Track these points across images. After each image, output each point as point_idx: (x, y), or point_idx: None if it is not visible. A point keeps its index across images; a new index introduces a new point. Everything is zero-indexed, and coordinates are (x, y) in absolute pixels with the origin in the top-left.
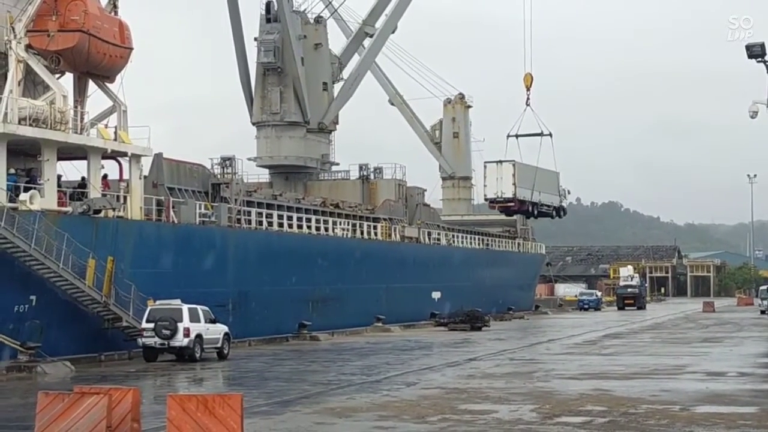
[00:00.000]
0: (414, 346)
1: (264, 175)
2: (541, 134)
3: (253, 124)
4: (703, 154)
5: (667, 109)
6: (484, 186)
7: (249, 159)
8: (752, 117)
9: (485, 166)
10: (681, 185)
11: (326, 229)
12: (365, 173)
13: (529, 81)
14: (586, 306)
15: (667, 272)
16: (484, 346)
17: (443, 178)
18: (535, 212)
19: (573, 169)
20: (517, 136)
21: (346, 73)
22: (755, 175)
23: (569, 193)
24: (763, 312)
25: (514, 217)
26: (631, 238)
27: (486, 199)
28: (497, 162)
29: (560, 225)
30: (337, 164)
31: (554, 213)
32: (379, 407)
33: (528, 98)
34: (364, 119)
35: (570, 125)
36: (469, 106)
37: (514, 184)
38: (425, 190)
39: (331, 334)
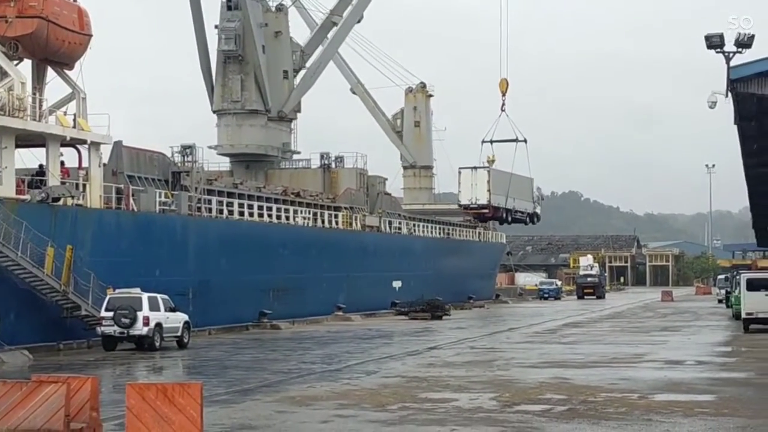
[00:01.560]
0: (375, 335)
1: (225, 164)
2: (515, 140)
3: (214, 112)
4: (663, 144)
5: (628, 100)
6: (459, 192)
7: (210, 147)
8: (711, 107)
9: (460, 173)
10: (641, 175)
11: (287, 218)
12: (326, 162)
13: (504, 87)
14: (546, 295)
15: (626, 262)
16: (445, 335)
17: (404, 167)
18: (509, 219)
19: (533, 158)
20: (491, 141)
21: (311, 63)
22: (713, 165)
23: (543, 199)
24: (720, 301)
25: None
26: (591, 227)
27: (460, 206)
28: (472, 168)
29: None
30: (299, 153)
31: (528, 219)
32: (339, 396)
33: (503, 104)
34: (327, 108)
35: (530, 115)
36: (431, 95)
37: (488, 190)
38: (386, 179)
39: (291, 322)
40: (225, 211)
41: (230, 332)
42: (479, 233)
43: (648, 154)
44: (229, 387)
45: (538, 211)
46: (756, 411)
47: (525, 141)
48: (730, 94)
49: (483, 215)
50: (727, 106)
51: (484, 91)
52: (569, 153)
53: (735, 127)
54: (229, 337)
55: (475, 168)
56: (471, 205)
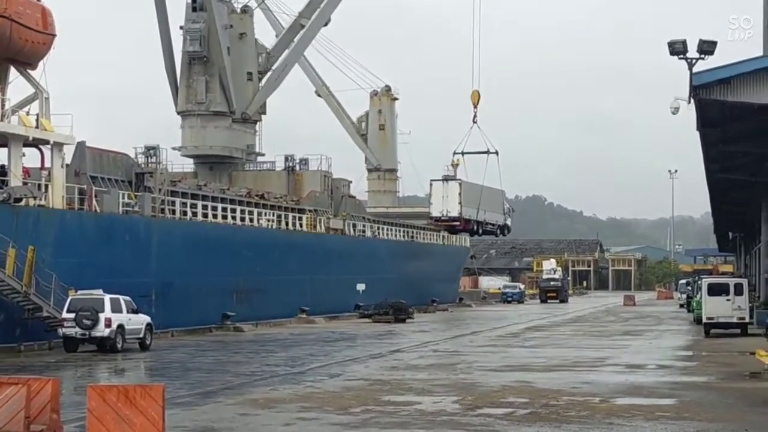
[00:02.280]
0: (338, 337)
1: (189, 165)
2: (487, 152)
3: (178, 113)
4: (626, 149)
5: (590, 105)
6: (430, 204)
7: (174, 149)
8: (673, 113)
9: (431, 184)
10: (604, 180)
11: (251, 220)
12: (291, 164)
13: (476, 98)
14: (509, 299)
15: (589, 266)
16: (408, 338)
17: (369, 170)
18: (480, 231)
19: (507, 164)
20: (463, 153)
21: (276, 65)
22: (676, 171)
23: (513, 211)
24: (682, 305)
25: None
26: (555, 232)
27: (431, 218)
28: (443, 180)
29: None
30: (263, 155)
31: (498, 231)
32: (302, 398)
33: (475, 115)
34: (291, 110)
35: (493, 118)
36: (396, 99)
37: (459, 203)
38: (351, 182)
39: (255, 325)
40: (189, 213)
41: (193, 334)
42: (443, 237)
43: (611, 159)
44: (192, 389)
45: (508, 223)
46: (716, 415)
47: (496, 153)
48: (692, 100)
49: (454, 227)
50: (690, 113)
51: (451, 95)
52: (533, 157)
53: (698, 133)
54: (192, 339)
55: (447, 180)
56: (442, 217)
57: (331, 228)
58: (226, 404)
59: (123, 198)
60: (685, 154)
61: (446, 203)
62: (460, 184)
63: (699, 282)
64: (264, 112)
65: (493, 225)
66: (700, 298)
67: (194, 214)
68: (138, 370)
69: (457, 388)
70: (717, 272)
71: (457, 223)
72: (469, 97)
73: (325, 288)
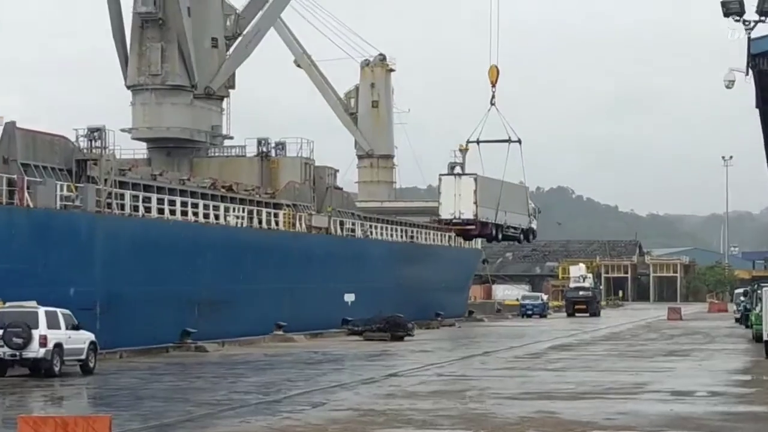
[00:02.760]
0: (322, 359)
1: (141, 150)
2: (508, 140)
3: (128, 87)
4: (670, 133)
5: (626, 80)
6: (439, 204)
7: (123, 130)
8: (728, 87)
9: (440, 179)
10: (643, 170)
11: (216, 217)
12: (265, 149)
13: (494, 75)
14: (529, 312)
15: (626, 272)
16: (407, 360)
17: (359, 157)
18: (500, 236)
19: (517, 150)
20: (478, 141)
21: (247, 30)
22: (731, 157)
23: (539, 212)
24: (738, 320)
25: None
26: (584, 231)
27: (440, 220)
28: (455, 175)
29: None
30: (231, 138)
31: (522, 236)
32: None
33: (493, 96)
34: (266, 85)
35: (512, 98)
36: (391, 70)
37: (475, 202)
38: (337, 171)
39: (221, 344)
40: (141, 208)
41: (146, 355)
42: (449, 237)
43: (652, 144)
44: (145, 421)
45: (534, 226)
46: None
47: (519, 142)
48: (751, 71)
49: (468, 232)
50: (748, 87)
51: (459, 68)
52: (558, 142)
53: (757, 111)
54: (144, 360)
55: (459, 175)
56: (454, 220)
57: (314, 226)
58: None
59: (61, 190)
60: (742, 137)
61: (459, 203)
62: (475, 179)
63: (759, 291)
64: (232, 87)
65: (515, 229)
66: (761, 310)
67: (148, 209)
68: (79, 398)
69: (466, 420)
70: None
71: (473, 226)
72: (486, 74)
73: (307, 299)
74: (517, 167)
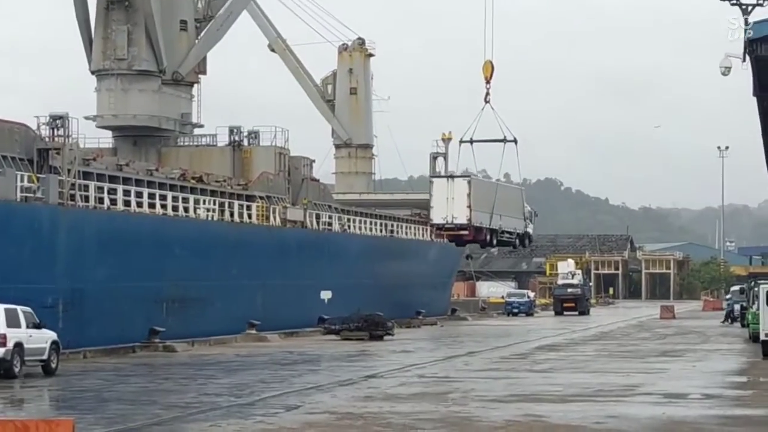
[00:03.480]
0: (297, 359)
1: (106, 139)
2: (503, 140)
3: (93, 72)
4: (662, 121)
5: (615, 65)
6: (431, 208)
7: (87, 118)
8: (724, 74)
9: (431, 182)
10: (635, 160)
11: (186, 210)
12: (237, 139)
13: (489, 71)
14: (515, 310)
15: (616, 268)
16: (387, 360)
17: (337, 146)
18: (494, 241)
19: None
20: (471, 141)
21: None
22: (726, 148)
23: (536, 215)
24: (725, 320)
25: (426, 197)
26: (573, 225)
27: (431, 225)
28: (447, 177)
29: None
30: (202, 126)
31: (517, 241)
32: None
33: (487, 93)
34: (239, 71)
35: (496, 85)
36: (371, 55)
37: (468, 206)
38: (314, 161)
39: (190, 343)
40: (106, 200)
41: (112, 355)
42: (431, 231)
43: (644, 134)
44: (110, 425)
45: (530, 230)
46: None
47: (515, 141)
48: (748, 57)
49: (461, 238)
50: (745, 74)
51: (442, 53)
52: (545, 131)
53: (754, 99)
54: (110, 361)
55: (452, 177)
56: (446, 225)
57: (289, 220)
58: None
59: (21, 181)
60: (739, 126)
61: (451, 207)
62: (468, 182)
63: (756, 289)
64: (203, 72)
65: (510, 234)
66: (758, 309)
67: (113, 201)
68: (41, 401)
69: (448, 423)
70: None
71: (466, 232)
72: (481, 69)
73: (281, 296)
74: (511, 168)
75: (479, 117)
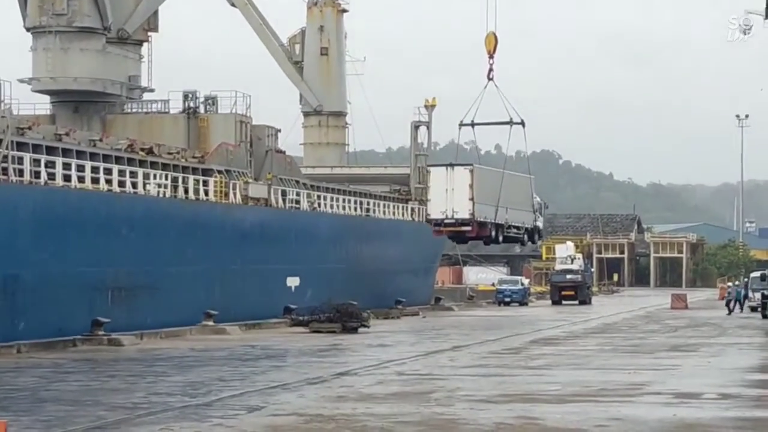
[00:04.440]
0: (260, 354)
1: (43, 105)
2: (510, 122)
3: (28, 30)
4: (675, 87)
5: (621, 26)
6: (427, 200)
7: (21, 81)
8: (744, 33)
9: (428, 171)
10: (643, 132)
11: (134, 185)
12: (192, 105)
13: (492, 45)
14: (507, 299)
15: (622, 252)
16: (361, 356)
17: (305, 114)
18: (500, 238)
19: (491, 106)
20: (473, 124)
21: None
22: (747, 117)
23: (546, 207)
24: (754, 309)
25: (407, 171)
26: (573, 203)
27: (429, 221)
28: (447, 166)
29: None
30: (152, 91)
31: (525, 237)
32: None
33: (491, 69)
34: (194, 28)
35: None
36: (344, 11)
37: (471, 199)
38: (279, 131)
39: (138, 336)
40: (44, 175)
41: (49, 349)
42: (413, 209)
43: (654, 101)
44: (47, 428)
45: (539, 224)
46: None
47: (522, 123)
48: None
49: (463, 234)
50: (766, 33)
51: (424, 9)
52: (542, 97)
53: None
54: (47, 356)
55: (452, 165)
56: (446, 220)
57: (251, 197)
58: None
59: None
60: (760, 92)
61: (452, 199)
62: (471, 171)
63: None
64: (154, 30)
65: (518, 229)
66: None
67: (51, 176)
68: None
69: (431, 427)
70: None
71: (468, 228)
72: (483, 42)
73: (242, 283)
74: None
75: (481, 96)
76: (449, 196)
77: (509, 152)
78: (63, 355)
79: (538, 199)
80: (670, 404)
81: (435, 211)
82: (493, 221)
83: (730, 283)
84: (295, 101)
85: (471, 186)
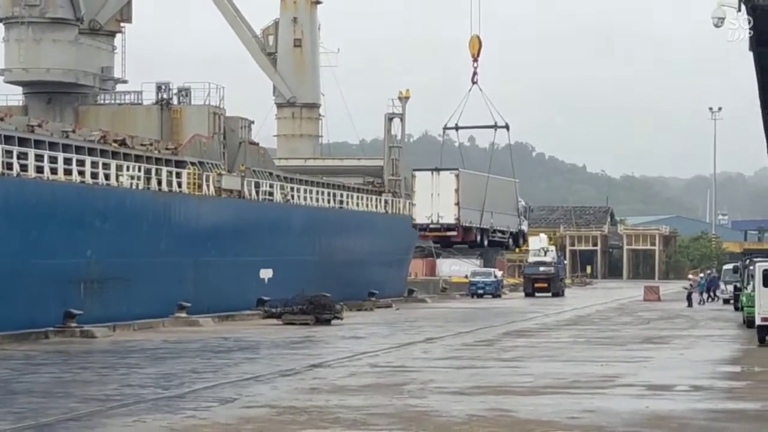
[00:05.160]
0: (233, 346)
1: (16, 96)
2: (494, 126)
3: (0, 21)
4: (648, 79)
5: (593, 17)
6: (412, 205)
7: None
8: (717, 26)
9: (414, 176)
10: (616, 124)
11: (107, 177)
12: (165, 96)
13: (476, 48)
14: (480, 291)
15: (595, 244)
16: (334, 348)
17: (279, 106)
18: (485, 242)
19: (474, 108)
20: (457, 127)
21: None
22: (719, 110)
23: (531, 210)
24: (727, 301)
25: (380, 163)
26: (546, 195)
27: (415, 226)
28: (432, 170)
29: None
30: (125, 82)
31: (510, 241)
32: None
33: (475, 73)
34: (168, 19)
35: (456, 37)
36: (318, 2)
37: (457, 203)
38: (252, 123)
39: (111, 328)
40: (15, 166)
41: (21, 341)
42: (386, 201)
43: (627, 93)
44: (19, 421)
45: (524, 228)
46: None
47: (507, 127)
48: (744, 6)
49: (449, 239)
50: (741, 25)
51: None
52: (514, 88)
53: (751, 54)
54: (19, 348)
55: (437, 170)
56: (432, 225)
57: (224, 189)
58: None
59: None
60: (734, 85)
61: (437, 204)
62: (457, 175)
63: (752, 267)
64: (127, 20)
65: (503, 233)
66: (753, 290)
67: (24, 167)
68: None
69: (404, 419)
70: None
71: (454, 232)
72: (467, 46)
73: (215, 275)
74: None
75: (466, 100)
76: (435, 201)
77: (482, 145)
78: (35, 347)
79: (523, 202)
80: (643, 396)
81: (420, 215)
82: (478, 226)
83: (701, 274)
84: (268, 93)
85: (457, 190)
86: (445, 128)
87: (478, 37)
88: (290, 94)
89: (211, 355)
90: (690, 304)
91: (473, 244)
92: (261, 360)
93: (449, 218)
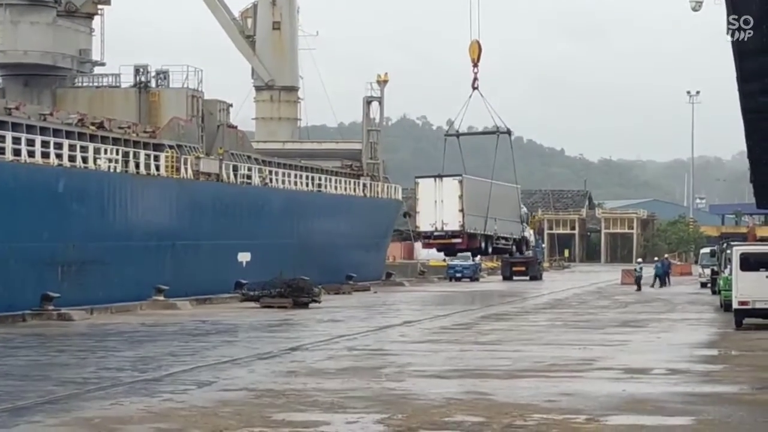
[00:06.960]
0: (210, 329)
1: None
2: (496, 131)
3: None
4: (626, 63)
5: (572, 1)
6: (416, 213)
7: None
8: (695, 9)
9: (417, 183)
10: (594, 107)
11: (84, 160)
12: (144, 79)
13: (476, 53)
14: (458, 275)
15: (572, 228)
16: (312, 331)
17: (257, 89)
18: (490, 249)
19: (443, 81)
20: (458, 134)
21: None
22: (697, 93)
23: (532, 215)
24: (704, 284)
25: (359, 147)
26: (524, 178)
27: (417, 234)
28: (435, 177)
29: (426, 159)
30: (103, 65)
31: (514, 248)
32: (157, 417)
33: (475, 78)
34: (146, 1)
35: (435, 20)
36: None
37: (461, 210)
38: (231, 106)
39: (89, 311)
40: None
41: None
42: (364, 185)
43: (605, 76)
44: None
45: (527, 235)
46: None
47: (509, 132)
48: None
49: (454, 246)
50: (718, 9)
51: None
52: (492, 71)
53: (728, 38)
54: None
55: (440, 176)
56: (436, 233)
57: (202, 172)
58: (47, 425)
59: None
60: (711, 69)
61: (441, 211)
62: (460, 182)
63: (729, 251)
64: (106, 2)
65: (507, 240)
66: (730, 273)
67: (1, 150)
68: None
69: (381, 402)
70: (754, 238)
71: (459, 240)
72: (467, 51)
73: (193, 259)
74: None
75: (466, 106)
76: (438, 208)
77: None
78: (12, 330)
79: (525, 209)
80: (620, 380)
81: (424, 223)
82: (482, 232)
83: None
84: (247, 76)
85: (461, 197)
86: (447, 135)
87: (478, 42)
88: (269, 77)
89: (189, 339)
90: (639, 288)
91: (478, 252)
92: (239, 343)
93: (454, 225)
